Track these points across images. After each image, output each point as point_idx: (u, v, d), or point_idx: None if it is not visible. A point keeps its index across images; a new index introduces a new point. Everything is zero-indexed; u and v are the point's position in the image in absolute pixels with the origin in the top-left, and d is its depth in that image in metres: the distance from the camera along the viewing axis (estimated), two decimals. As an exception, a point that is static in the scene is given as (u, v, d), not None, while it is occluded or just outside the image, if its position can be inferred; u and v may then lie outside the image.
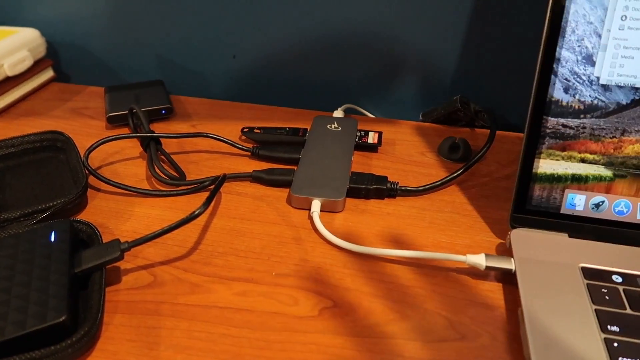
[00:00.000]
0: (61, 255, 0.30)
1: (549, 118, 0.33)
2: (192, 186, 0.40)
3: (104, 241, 0.34)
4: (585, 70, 0.32)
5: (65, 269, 0.29)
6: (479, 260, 0.32)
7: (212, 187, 0.40)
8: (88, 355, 0.28)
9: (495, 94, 0.53)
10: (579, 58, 0.32)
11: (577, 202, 0.34)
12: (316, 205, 0.38)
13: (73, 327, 0.28)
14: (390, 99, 0.56)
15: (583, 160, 0.34)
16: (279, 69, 0.56)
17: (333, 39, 0.53)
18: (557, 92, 0.33)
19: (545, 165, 0.34)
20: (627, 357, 0.26)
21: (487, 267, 0.32)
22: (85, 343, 0.27)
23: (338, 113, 0.51)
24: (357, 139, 0.46)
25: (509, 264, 0.32)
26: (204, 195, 0.40)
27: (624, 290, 0.30)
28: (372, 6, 0.51)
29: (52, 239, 0.31)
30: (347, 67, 0.55)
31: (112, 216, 0.38)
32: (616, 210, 0.34)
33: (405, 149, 0.47)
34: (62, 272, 0.29)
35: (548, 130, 0.33)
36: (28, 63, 0.54)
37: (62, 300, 0.28)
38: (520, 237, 0.34)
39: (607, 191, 0.34)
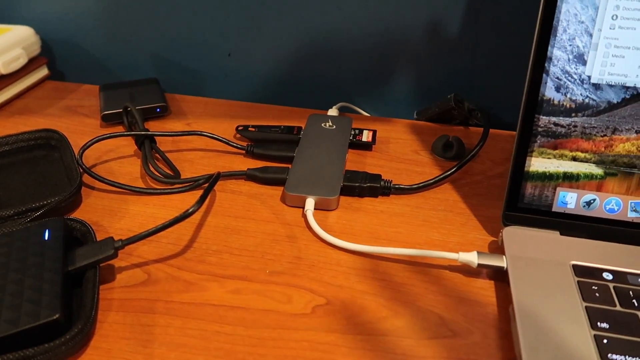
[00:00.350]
0: (55, 254, 0.30)
1: (541, 117, 0.33)
2: (187, 184, 0.41)
3: (98, 239, 0.34)
4: (576, 69, 0.32)
5: (58, 267, 0.29)
6: (471, 257, 0.33)
7: (206, 185, 0.40)
8: (82, 353, 0.28)
9: (489, 93, 0.53)
10: (571, 57, 0.32)
11: (569, 200, 0.35)
12: (310, 203, 0.38)
13: (67, 325, 0.28)
14: (385, 97, 0.56)
15: (574, 159, 0.34)
16: (274, 67, 0.56)
17: (328, 37, 0.53)
18: (549, 91, 0.33)
19: (537, 164, 0.34)
20: (616, 354, 0.27)
21: (479, 265, 0.33)
22: (79, 341, 0.28)
23: (332, 111, 0.51)
24: (351, 137, 0.46)
25: (500, 262, 0.32)
26: (199, 193, 0.41)
27: (614, 287, 0.30)
28: (366, 5, 0.51)
29: (46, 237, 0.31)
30: (341, 65, 0.55)
31: (106, 214, 0.38)
32: (607, 208, 0.34)
33: (399, 147, 0.47)
34: (56, 270, 0.29)
35: (540, 129, 0.34)
36: (22, 61, 0.53)
37: (55, 298, 0.28)
38: (513, 234, 0.34)
39: (598, 189, 0.34)
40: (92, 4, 0.56)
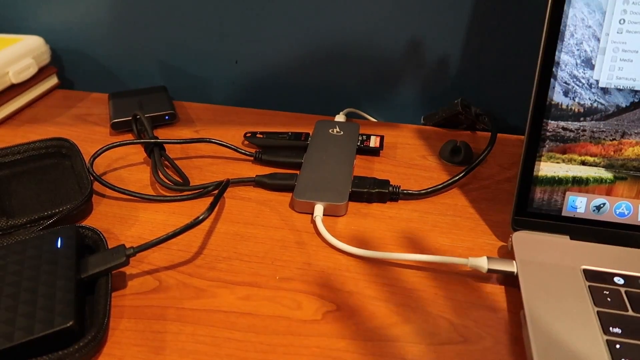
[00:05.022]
0: (67, 261, 0.30)
1: (549, 121, 0.33)
2: (196, 191, 0.41)
3: (109, 247, 0.34)
4: (584, 73, 0.32)
5: (71, 274, 0.30)
6: (481, 263, 0.33)
7: (215, 192, 0.40)
8: (94, 360, 0.28)
9: (496, 97, 0.54)
10: (578, 61, 0.32)
11: (578, 204, 0.35)
12: (319, 209, 0.38)
13: (80, 332, 0.28)
14: (392, 102, 0.56)
15: (583, 163, 0.34)
16: (281, 73, 0.57)
17: (334, 43, 0.54)
18: (557, 96, 0.33)
19: (546, 168, 0.34)
20: (629, 359, 0.26)
21: (489, 270, 0.32)
22: (92, 348, 0.28)
23: (340, 117, 0.51)
24: (359, 143, 0.46)
25: (511, 267, 0.32)
26: (208, 200, 0.41)
27: (625, 292, 0.30)
28: (373, 11, 0.51)
29: (59, 245, 0.32)
30: (348, 71, 0.55)
31: (117, 222, 0.38)
32: (617, 212, 0.34)
33: (407, 153, 0.47)
34: (69, 278, 0.29)
35: (548, 133, 0.34)
36: (32, 70, 0.54)
37: (68, 305, 0.28)
38: (522, 239, 0.34)
39: (608, 193, 0.34)
40: (100, 14, 0.57)
